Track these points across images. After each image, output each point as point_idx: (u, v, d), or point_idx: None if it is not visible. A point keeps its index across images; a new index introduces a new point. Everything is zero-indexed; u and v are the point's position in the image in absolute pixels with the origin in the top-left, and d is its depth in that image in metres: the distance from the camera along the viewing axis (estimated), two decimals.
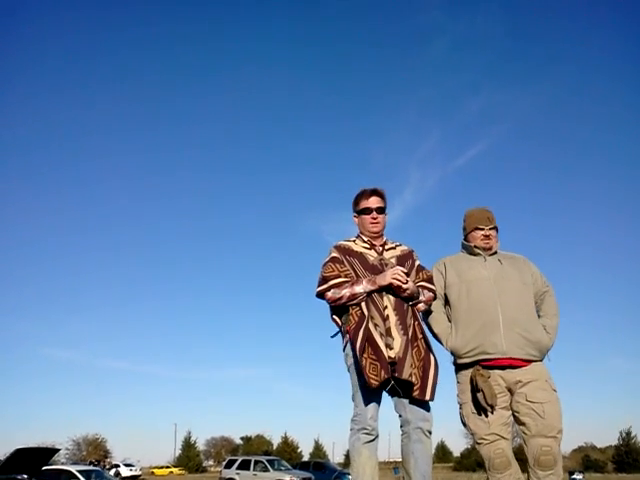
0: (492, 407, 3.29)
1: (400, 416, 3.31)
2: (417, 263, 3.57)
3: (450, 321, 3.57)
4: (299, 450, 64.87)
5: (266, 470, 26.60)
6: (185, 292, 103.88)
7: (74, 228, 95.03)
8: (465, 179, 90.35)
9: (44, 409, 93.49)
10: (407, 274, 3.36)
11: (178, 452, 67.03)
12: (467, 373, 3.43)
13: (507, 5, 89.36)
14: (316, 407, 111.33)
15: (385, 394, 3.30)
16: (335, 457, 68.91)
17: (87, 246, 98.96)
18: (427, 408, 3.28)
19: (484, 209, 3.69)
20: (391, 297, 3.32)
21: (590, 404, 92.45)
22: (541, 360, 3.42)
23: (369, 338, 3.17)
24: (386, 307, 3.29)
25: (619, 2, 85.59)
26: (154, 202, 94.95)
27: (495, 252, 3.62)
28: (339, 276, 3.36)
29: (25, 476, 13.35)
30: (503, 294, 3.43)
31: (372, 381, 3.09)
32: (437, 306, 3.61)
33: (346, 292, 3.29)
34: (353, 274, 3.38)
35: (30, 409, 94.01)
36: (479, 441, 3.40)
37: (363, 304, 3.28)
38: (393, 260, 3.49)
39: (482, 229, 3.60)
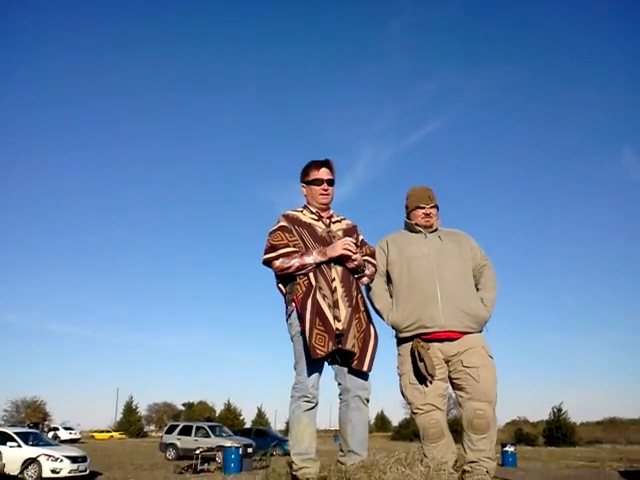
0: (432, 377, 3.40)
1: (339, 384, 3.37)
2: (361, 237, 3.61)
3: (392, 297, 3.66)
4: (241, 417, 65.16)
5: (207, 436, 26.74)
6: (134, 258, 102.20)
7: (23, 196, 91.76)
8: (418, 157, 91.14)
9: None
10: (356, 245, 3.40)
11: (119, 417, 66.69)
12: (407, 346, 3.53)
13: None
14: (260, 375, 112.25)
15: (326, 363, 3.36)
16: (277, 425, 69.93)
17: (40, 211, 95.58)
18: (366, 377, 3.34)
19: (425, 188, 3.77)
20: (339, 269, 3.35)
21: (525, 379, 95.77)
22: (479, 332, 3.54)
23: (318, 309, 3.20)
24: (334, 279, 3.32)
25: None
26: (106, 171, 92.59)
27: (436, 229, 3.71)
28: (288, 245, 3.36)
29: None
30: (441, 269, 3.53)
31: (318, 352, 3.12)
32: (379, 283, 3.69)
33: (295, 262, 3.30)
34: (302, 244, 3.39)
35: None
36: (415, 411, 3.51)
37: (311, 274, 3.30)
38: (340, 233, 3.51)
39: (423, 207, 3.69)
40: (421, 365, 3.40)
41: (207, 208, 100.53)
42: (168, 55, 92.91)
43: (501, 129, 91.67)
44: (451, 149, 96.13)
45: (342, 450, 3.33)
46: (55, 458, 17.42)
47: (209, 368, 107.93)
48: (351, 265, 3.37)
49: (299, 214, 3.53)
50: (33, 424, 42.04)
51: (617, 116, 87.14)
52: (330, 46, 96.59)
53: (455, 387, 3.50)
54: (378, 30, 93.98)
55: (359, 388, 3.31)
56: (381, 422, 78.34)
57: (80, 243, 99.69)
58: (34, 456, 17.38)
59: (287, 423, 3.39)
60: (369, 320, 3.41)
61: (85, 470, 18.04)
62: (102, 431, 61.49)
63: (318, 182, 3.53)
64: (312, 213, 3.54)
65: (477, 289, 3.67)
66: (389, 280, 3.71)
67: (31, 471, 17.24)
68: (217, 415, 64.65)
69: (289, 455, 3.38)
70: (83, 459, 18.17)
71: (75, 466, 17.61)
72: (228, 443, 22.88)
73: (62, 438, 42.39)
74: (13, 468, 17.16)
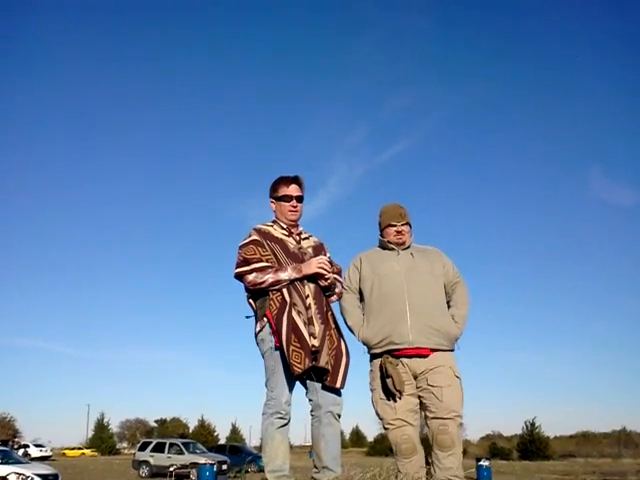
0: (400, 393, 3.42)
1: (311, 401, 3.36)
2: (328, 255, 3.61)
3: (364, 314, 3.68)
4: (216, 433, 64.55)
5: (181, 453, 26.42)
6: (105, 274, 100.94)
7: None
8: (391, 172, 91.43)
9: None
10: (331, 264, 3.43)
11: (91, 433, 65.60)
12: (378, 362, 3.57)
13: (438, 4, 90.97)
14: (234, 391, 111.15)
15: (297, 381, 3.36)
16: (252, 441, 69.38)
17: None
18: (338, 393, 3.35)
19: (397, 206, 3.81)
20: (311, 286, 3.37)
21: (499, 394, 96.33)
22: (450, 349, 3.56)
23: (294, 325, 3.20)
24: (308, 296, 3.33)
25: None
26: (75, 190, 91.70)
27: (409, 246, 3.75)
28: (261, 260, 3.35)
29: None
30: (412, 286, 3.56)
31: (295, 369, 3.12)
32: (352, 299, 3.73)
33: (269, 277, 3.29)
34: (274, 259, 3.38)
35: None
36: (386, 426, 3.53)
37: (285, 290, 3.30)
38: (310, 250, 3.53)
39: (394, 225, 3.73)
40: (389, 381, 3.42)
41: (177, 223, 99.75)
42: (135, 69, 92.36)
43: (475, 144, 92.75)
44: (425, 164, 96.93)
45: (316, 467, 3.32)
46: (25, 476, 17.03)
47: (182, 384, 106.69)
48: (324, 283, 3.40)
49: (270, 229, 3.53)
50: (2, 441, 41.04)
51: (586, 135, 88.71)
52: (303, 60, 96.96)
53: (421, 405, 3.52)
54: (351, 45, 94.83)
55: (331, 404, 3.31)
56: (356, 437, 78.00)
57: (49, 258, 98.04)
58: (4, 474, 16.96)
59: (262, 439, 3.37)
60: (340, 336, 3.43)
61: None
62: (73, 448, 60.42)
63: (287, 198, 3.53)
64: (282, 229, 3.55)
65: (449, 306, 3.69)
66: (362, 297, 3.73)
67: None
68: (191, 431, 63.96)
69: (264, 472, 3.35)
70: (54, 477, 17.79)
71: None
72: (202, 460, 22.61)
73: (33, 455, 41.44)
74: None
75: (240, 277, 3.40)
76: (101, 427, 64.21)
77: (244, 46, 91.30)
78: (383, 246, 3.78)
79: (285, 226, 3.55)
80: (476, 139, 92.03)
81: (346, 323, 3.68)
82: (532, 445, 53.19)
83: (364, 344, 3.64)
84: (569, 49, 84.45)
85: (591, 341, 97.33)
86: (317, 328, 3.26)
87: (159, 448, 27.19)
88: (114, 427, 68.75)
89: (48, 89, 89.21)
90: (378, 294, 3.60)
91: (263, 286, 3.31)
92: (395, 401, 3.46)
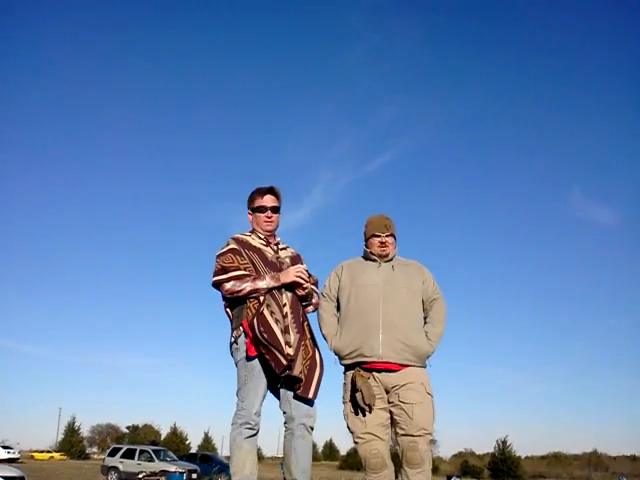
0: (370, 407, 3.39)
1: (284, 413, 3.35)
2: (305, 266, 3.60)
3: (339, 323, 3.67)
4: (188, 442, 64.07)
5: (151, 460, 26.08)
6: (80, 277, 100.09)
7: None
8: (377, 182, 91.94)
9: None
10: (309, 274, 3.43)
11: (61, 437, 64.76)
12: (350, 374, 3.53)
13: (425, 17, 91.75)
14: (209, 400, 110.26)
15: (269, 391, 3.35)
16: (224, 450, 68.79)
17: None
18: (311, 404, 3.34)
19: (382, 217, 3.79)
20: (289, 294, 3.38)
21: (471, 412, 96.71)
22: (421, 366, 3.55)
23: (270, 334, 3.19)
24: (285, 304, 3.34)
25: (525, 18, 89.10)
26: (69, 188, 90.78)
27: (391, 259, 3.73)
28: (239, 268, 3.35)
29: None
30: (388, 299, 3.53)
31: (281, 360, 3.14)
32: (330, 308, 3.70)
33: (247, 286, 3.29)
34: (252, 268, 3.39)
35: None
36: (356, 440, 3.50)
37: (262, 298, 3.30)
38: (287, 260, 3.55)
39: (379, 236, 3.70)
40: (357, 395, 3.39)
41: (157, 228, 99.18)
42: (120, 72, 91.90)
43: (461, 155, 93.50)
44: (411, 175, 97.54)
45: (285, 479, 3.29)
46: None
47: (156, 391, 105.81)
48: (301, 293, 3.41)
49: (248, 238, 3.54)
50: None
51: (567, 155, 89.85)
52: (290, 69, 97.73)
53: (392, 421, 3.49)
54: (338, 55, 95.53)
55: (304, 416, 3.30)
56: (330, 450, 77.71)
57: (23, 260, 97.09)
58: None
59: (230, 449, 3.35)
60: (315, 347, 3.43)
61: None
62: (42, 451, 59.71)
63: (262, 209, 3.55)
64: (260, 238, 3.56)
65: (426, 322, 3.67)
66: (339, 306, 3.72)
67: None
68: (162, 439, 63.44)
69: None
70: (20, 479, 17.48)
71: None
72: (172, 468, 22.45)
73: (0, 457, 40.83)
74: None
75: (218, 285, 3.39)
76: (72, 431, 63.55)
77: (230, 54, 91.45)
78: (366, 257, 3.76)
79: (263, 236, 3.56)
80: (462, 150, 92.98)
81: (321, 332, 3.66)
82: (503, 464, 53.45)
83: (335, 354, 3.61)
84: (559, 61, 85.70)
85: (569, 362, 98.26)
86: (292, 337, 3.27)
87: (129, 454, 26.83)
88: (85, 431, 68.42)
89: (48, 89, 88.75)
90: (354, 305, 3.58)
91: (241, 294, 3.31)
92: (364, 415, 3.45)
